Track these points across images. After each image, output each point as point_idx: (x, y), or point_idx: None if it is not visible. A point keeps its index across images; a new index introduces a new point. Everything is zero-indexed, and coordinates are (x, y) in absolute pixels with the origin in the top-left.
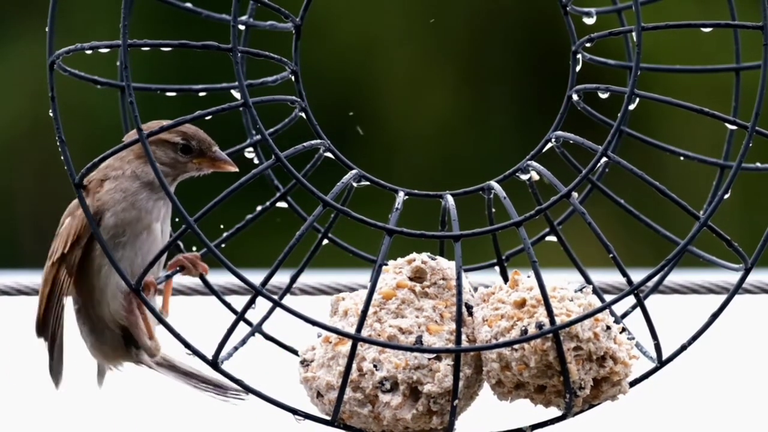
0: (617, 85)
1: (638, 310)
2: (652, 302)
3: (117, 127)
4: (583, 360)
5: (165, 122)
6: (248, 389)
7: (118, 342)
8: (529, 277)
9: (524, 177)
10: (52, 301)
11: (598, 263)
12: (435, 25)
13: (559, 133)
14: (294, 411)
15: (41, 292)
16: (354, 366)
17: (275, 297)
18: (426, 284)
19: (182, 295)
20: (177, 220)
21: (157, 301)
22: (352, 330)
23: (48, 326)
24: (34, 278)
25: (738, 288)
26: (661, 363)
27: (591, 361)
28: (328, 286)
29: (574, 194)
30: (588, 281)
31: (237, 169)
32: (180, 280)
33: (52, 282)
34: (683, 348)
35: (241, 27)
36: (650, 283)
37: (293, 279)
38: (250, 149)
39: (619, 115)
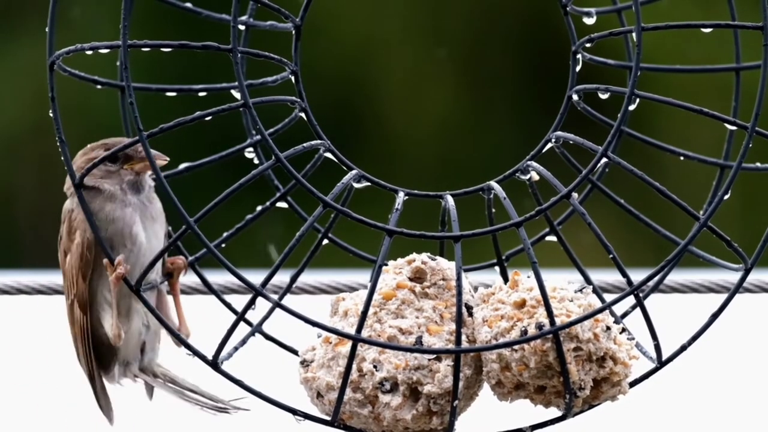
0: (617, 85)
1: (638, 310)
2: (652, 302)
3: (117, 128)
4: (583, 360)
5: (99, 143)
6: (248, 389)
7: (114, 358)
8: (529, 277)
9: (524, 177)
10: (81, 341)
11: (598, 263)
12: (435, 25)
13: (559, 133)
14: (294, 411)
15: (72, 334)
16: (354, 366)
17: (275, 297)
18: (426, 285)
19: (182, 295)
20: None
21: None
22: (352, 330)
23: (83, 364)
24: (34, 278)
25: (738, 288)
26: (661, 363)
27: (591, 361)
28: (328, 286)
29: (574, 194)
30: (588, 281)
31: (167, 159)
32: (180, 280)
33: (73, 322)
34: (683, 348)
35: (241, 27)
36: (650, 284)
37: (293, 279)
38: (250, 149)
39: (619, 115)
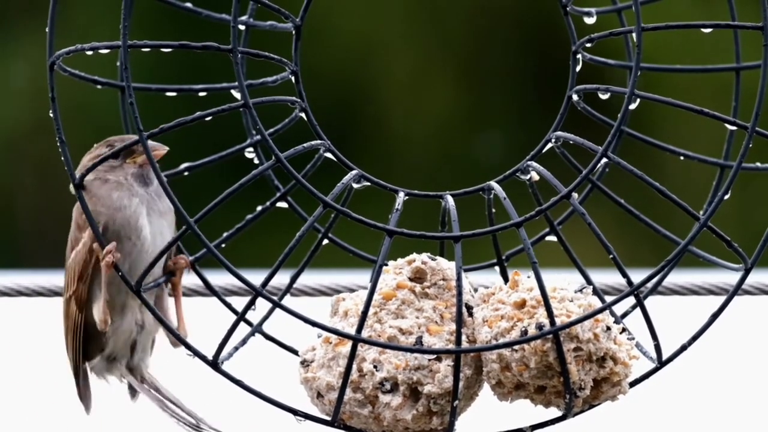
0: (617, 85)
1: (638, 310)
2: (652, 303)
3: (117, 128)
4: (583, 360)
5: (114, 138)
6: (248, 389)
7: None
8: (529, 277)
9: (524, 177)
10: (71, 335)
11: (598, 263)
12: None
13: (559, 133)
14: (294, 411)
15: (64, 326)
16: (354, 366)
17: (275, 297)
18: (426, 285)
19: (183, 295)
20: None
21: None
22: (352, 331)
23: (70, 357)
24: (34, 279)
25: (738, 288)
26: (661, 363)
27: (591, 361)
28: (328, 286)
29: (574, 194)
30: (588, 282)
31: (167, 148)
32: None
33: (68, 316)
34: (683, 348)
35: (241, 27)
36: (650, 284)
37: (293, 279)
38: (250, 150)
39: (619, 115)
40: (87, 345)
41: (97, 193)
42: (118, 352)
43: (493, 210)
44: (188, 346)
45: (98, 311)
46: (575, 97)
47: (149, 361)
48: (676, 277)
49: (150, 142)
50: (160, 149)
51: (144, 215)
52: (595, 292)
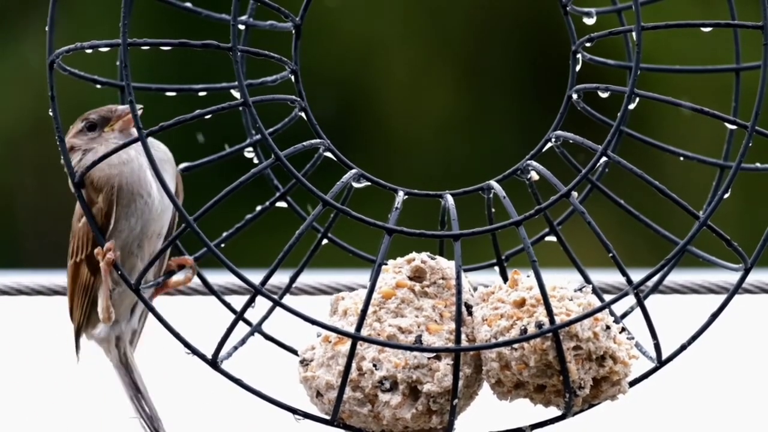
0: (617, 85)
1: (638, 309)
2: (652, 302)
3: None
4: (582, 359)
5: (89, 112)
6: (247, 388)
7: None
8: (528, 276)
9: (524, 177)
10: (77, 297)
11: (597, 263)
12: (435, 25)
13: (559, 132)
14: (293, 410)
15: (68, 288)
16: (353, 365)
17: (275, 296)
18: (425, 284)
19: (182, 294)
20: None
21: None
22: (351, 329)
23: (78, 317)
24: (34, 278)
25: (738, 288)
26: (661, 363)
27: (590, 360)
28: (328, 285)
29: (574, 194)
30: (587, 281)
31: (141, 106)
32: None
33: (74, 279)
34: (683, 348)
35: (241, 27)
36: (650, 283)
37: (293, 278)
38: (250, 149)
39: (618, 114)
40: (91, 312)
41: (98, 162)
42: (121, 315)
43: (493, 209)
44: (187, 345)
45: (102, 309)
46: (575, 97)
47: (136, 341)
48: (676, 276)
49: (118, 106)
50: (128, 112)
51: (146, 167)
52: (595, 291)
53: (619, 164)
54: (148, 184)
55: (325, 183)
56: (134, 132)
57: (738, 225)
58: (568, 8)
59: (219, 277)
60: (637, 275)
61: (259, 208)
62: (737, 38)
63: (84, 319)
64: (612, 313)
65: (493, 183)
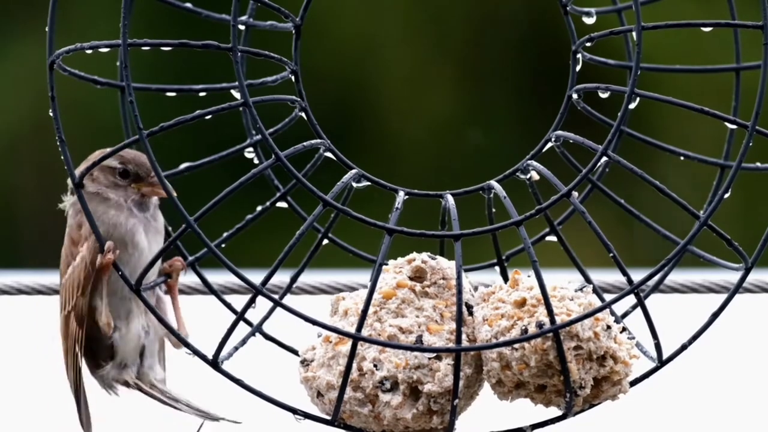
0: (617, 85)
1: (638, 309)
2: (653, 302)
3: (117, 127)
4: (583, 359)
5: (107, 150)
6: (248, 389)
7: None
8: (529, 276)
9: (524, 177)
10: (71, 354)
11: (598, 263)
12: (435, 25)
13: (559, 132)
14: (294, 411)
15: (63, 347)
16: (354, 365)
17: (275, 296)
18: (426, 284)
19: (182, 294)
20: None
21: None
22: (352, 329)
23: (70, 378)
24: (34, 278)
25: (738, 287)
26: (662, 362)
27: (591, 360)
28: (328, 285)
29: (574, 193)
30: (588, 281)
31: (175, 193)
32: (180, 280)
33: (67, 335)
34: (683, 347)
35: (241, 27)
36: (650, 283)
37: (293, 279)
38: (250, 149)
39: (619, 114)
40: (96, 354)
41: (96, 209)
42: (129, 359)
43: (493, 209)
44: (188, 346)
45: (102, 315)
46: (575, 97)
47: (159, 369)
48: (677, 276)
49: (153, 174)
50: (168, 192)
51: (141, 232)
52: (595, 291)
53: (620, 164)
54: (136, 243)
55: (325, 183)
56: (155, 200)
57: (738, 224)
58: (568, 8)
59: (219, 277)
60: (637, 275)
61: (259, 208)
62: (737, 38)
63: (80, 378)
64: (613, 313)
65: (493, 183)
